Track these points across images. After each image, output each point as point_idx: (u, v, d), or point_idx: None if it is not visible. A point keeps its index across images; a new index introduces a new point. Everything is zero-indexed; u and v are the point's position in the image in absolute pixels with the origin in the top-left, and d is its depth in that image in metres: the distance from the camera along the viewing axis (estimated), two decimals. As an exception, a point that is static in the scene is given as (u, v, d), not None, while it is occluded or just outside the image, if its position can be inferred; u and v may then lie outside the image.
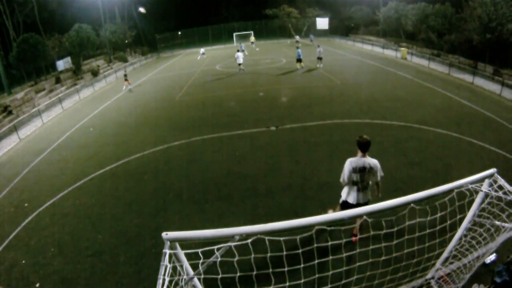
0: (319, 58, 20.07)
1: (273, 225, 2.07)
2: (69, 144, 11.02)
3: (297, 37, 38.31)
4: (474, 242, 3.20)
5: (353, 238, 4.85)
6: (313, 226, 2.15)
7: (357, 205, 4.37)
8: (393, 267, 3.27)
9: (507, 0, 17.14)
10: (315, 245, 2.62)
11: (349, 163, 4.20)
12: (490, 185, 2.79)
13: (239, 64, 20.42)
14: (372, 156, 4.30)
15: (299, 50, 19.86)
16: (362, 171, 4.18)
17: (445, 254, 3.56)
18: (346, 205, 4.47)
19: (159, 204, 6.66)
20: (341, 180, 4.32)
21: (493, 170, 2.72)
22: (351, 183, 4.27)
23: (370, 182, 4.36)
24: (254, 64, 23.92)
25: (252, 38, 38.96)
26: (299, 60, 19.82)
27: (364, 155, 4.22)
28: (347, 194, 4.42)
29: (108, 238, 5.73)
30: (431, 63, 19.97)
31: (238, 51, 21.09)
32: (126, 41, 36.04)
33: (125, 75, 19.39)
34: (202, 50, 32.03)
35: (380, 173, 4.27)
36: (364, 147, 4.19)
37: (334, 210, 5.02)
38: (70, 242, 5.74)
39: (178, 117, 12.83)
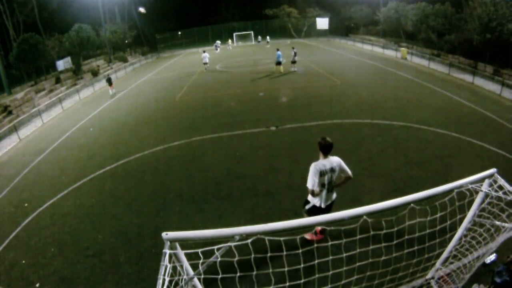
0: (293, 62, 19.29)
1: (273, 225, 2.07)
2: (69, 144, 11.02)
3: (268, 38, 38.58)
4: (474, 242, 3.20)
5: (314, 237, 4.85)
6: (313, 226, 2.15)
7: (326, 207, 4.36)
8: (393, 267, 3.27)
9: (507, 0, 17.14)
10: (315, 245, 2.62)
11: (316, 168, 4.08)
12: (490, 185, 2.79)
13: (205, 64, 22.78)
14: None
15: (279, 52, 19.14)
16: (332, 171, 4.15)
17: (445, 254, 3.56)
18: (315, 210, 4.41)
19: (159, 204, 6.66)
20: (309, 186, 4.12)
21: (493, 170, 2.72)
22: (321, 186, 4.18)
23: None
24: (254, 64, 23.93)
25: (230, 41, 40.40)
26: (278, 63, 19.10)
27: (326, 157, 4.16)
28: (317, 199, 4.33)
29: (108, 238, 5.73)
30: (431, 63, 19.97)
31: (204, 51, 23.19)
32: (126, 41, 36.03)
33: (109, 80, 18.27)
34: (217, 43, 34.85)
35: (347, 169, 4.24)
36: (327, 150, 4.12)
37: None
38: (70, 242, 5.74)
39: (178, 117, 12.83)
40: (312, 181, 4.08)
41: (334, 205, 4.48)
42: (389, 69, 19.27)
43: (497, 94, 13.41)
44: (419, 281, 3.85)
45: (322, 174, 4.10)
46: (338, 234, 4.52)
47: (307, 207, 4.56)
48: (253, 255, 2.23)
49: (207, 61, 22.76)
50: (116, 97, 17.87)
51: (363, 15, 36.68)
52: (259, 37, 41.04)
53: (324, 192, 4.26)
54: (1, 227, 6.50)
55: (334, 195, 4.45)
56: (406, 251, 3.01)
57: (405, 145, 8.51)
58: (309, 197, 4.46)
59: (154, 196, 7.00)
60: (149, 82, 21.77)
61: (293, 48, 19.93)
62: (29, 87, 19.60)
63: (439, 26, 22.76)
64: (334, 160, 4.18)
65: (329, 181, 4.21)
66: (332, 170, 4.15)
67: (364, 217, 2.19)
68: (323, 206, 4.34)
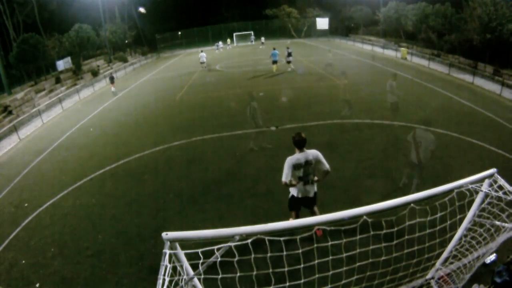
0: (288, 62, 19.33)
1: (273, 225, 2.06)
2: (69, 144, 11.02)
3: (262, 39, 38.90)
4: (474, 242, 3.19)
5: (318, 232, 4.90)
6: (313, 226, 2.15)
7: (306, 198, 4.49)
8: (393, 267, 3.26)
9: (507, 0, 17.14)
10: (315, 245, 2.62)
11: (290, 162, 4.23)
12: (490, 185, 2.78)
13: (202, 63, 23.18)
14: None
15: (276, 51, 19.16)
16: (307, 164, 4.26)
17: (445, 254, 3.55)
18: (295, 200, 4.57)
19: (159, 204, 6.66)
20: (282, 179, 4.23)
21: (493, 170, 2.72)
22: (297, 179, 4.31)
23: (316, 177, 4.45)
24: (254, 64, 23.94)
25: (228, 41, 40.81)
26: (275, 62, 19.13)
27: (302, 151, 4.29)
28: (295, 189, 4.49)
29: (108, 238, 5.73)
30: (431, 63, 19.97)
31: (201, 51, 23.86)
32: (126, 41, 36.02)
33: (111, 78, 18.55)
34: (220, 44, 36.28)
35: (325, 162, 4.33)
36: (301, 145, 4.28)
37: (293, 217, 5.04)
38: (70, 242, 5.74)
39: (178, 117, 12.83)
40: (285, 175, 4.21)
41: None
42: (389, 69, 19.25)
43: (497, 94, 13.41)
44: (419, 281, 3.85)
45: (296, 167, 4.24)
46: (338, 234, 4.53)
47: (289, 196, 4.71)
48: (253, 255, 2.23)
49: (205, 60, 23.05)
50: (116, 97, 17.88)
51: (363, 15, 36.65)
52: (252, 38, 41.10)
53: (301, 184, 4.37)
54: (1, 227, 6.50)
55: (314, 190, 4.55)
56: (406, 251, 3.01)
57: (405, 145, 8.48)
58: (290, 188, 4.60)
59: (154, 196, 7.00)
60: (149, 82, 21.78)
61: (287, 48, 19.97)
62: (29, 87, 19.59)
63: (439, 26, 22.74)
64: (310, 153, 4.29)
65: (306, 174, 4.31)
66: (307, 163, 4.26)
67: (364, 217, 2.19)
68: (300, 196, 4.46)
